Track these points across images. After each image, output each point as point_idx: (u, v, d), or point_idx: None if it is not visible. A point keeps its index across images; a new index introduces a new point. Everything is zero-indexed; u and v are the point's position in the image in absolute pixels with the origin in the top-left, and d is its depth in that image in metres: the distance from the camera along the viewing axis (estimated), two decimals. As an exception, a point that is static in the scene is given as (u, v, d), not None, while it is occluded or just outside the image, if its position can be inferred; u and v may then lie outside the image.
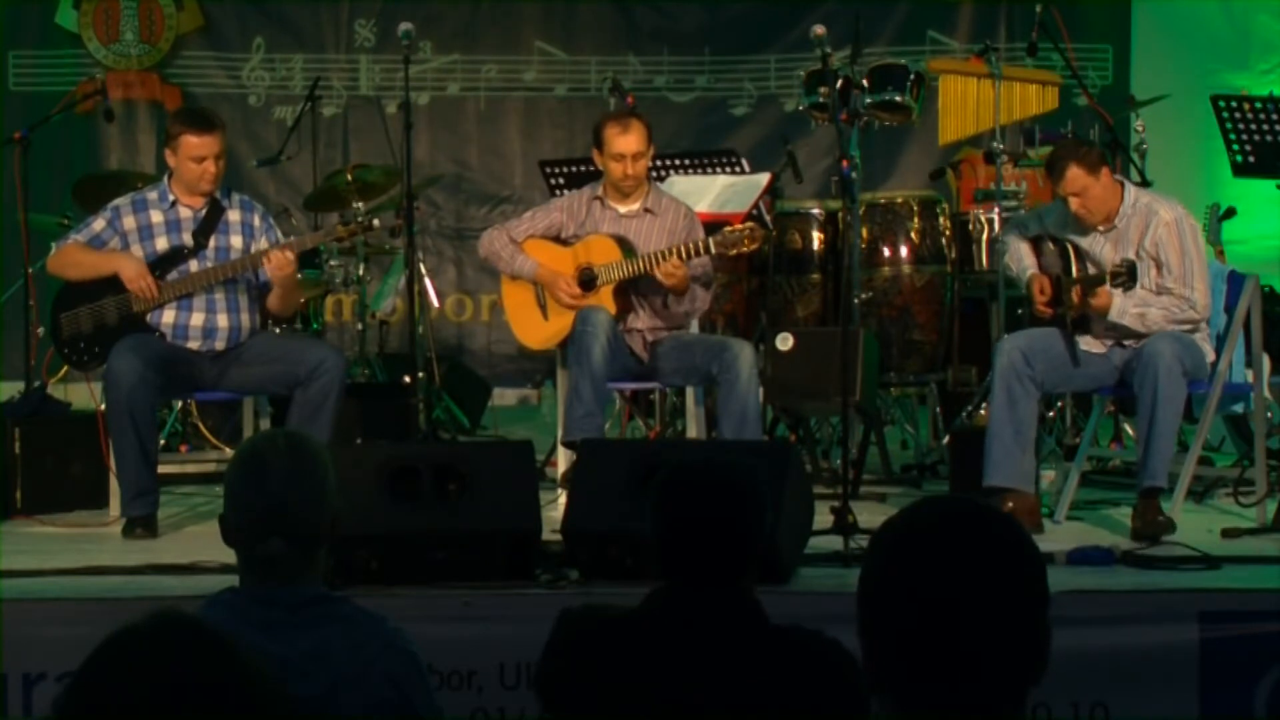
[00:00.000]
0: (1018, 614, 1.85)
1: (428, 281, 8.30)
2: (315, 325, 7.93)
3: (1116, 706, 4.54)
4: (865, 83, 7.30)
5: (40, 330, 6.97)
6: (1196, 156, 8.88)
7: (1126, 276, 5.74)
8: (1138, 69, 10.04)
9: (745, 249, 6.22)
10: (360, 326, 8.32)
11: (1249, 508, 6.09)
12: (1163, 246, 5.89)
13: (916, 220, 7.35)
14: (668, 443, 6.81)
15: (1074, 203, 5.90)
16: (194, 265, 6.11)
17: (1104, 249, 5.97)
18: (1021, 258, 6.18)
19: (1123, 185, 6.05)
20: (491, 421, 8.97)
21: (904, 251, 7.33)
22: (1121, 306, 5.85)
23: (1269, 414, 6.45)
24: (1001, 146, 7.33)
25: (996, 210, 7.31)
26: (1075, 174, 5.87)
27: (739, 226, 6.25)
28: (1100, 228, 5.97)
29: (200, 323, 6.09)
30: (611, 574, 4.66)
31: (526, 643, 3.77)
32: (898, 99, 7.35)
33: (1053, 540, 5.40)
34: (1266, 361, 6.19)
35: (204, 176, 6.08)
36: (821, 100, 7.26)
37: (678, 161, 7.62)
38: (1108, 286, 5.81)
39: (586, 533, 4.84)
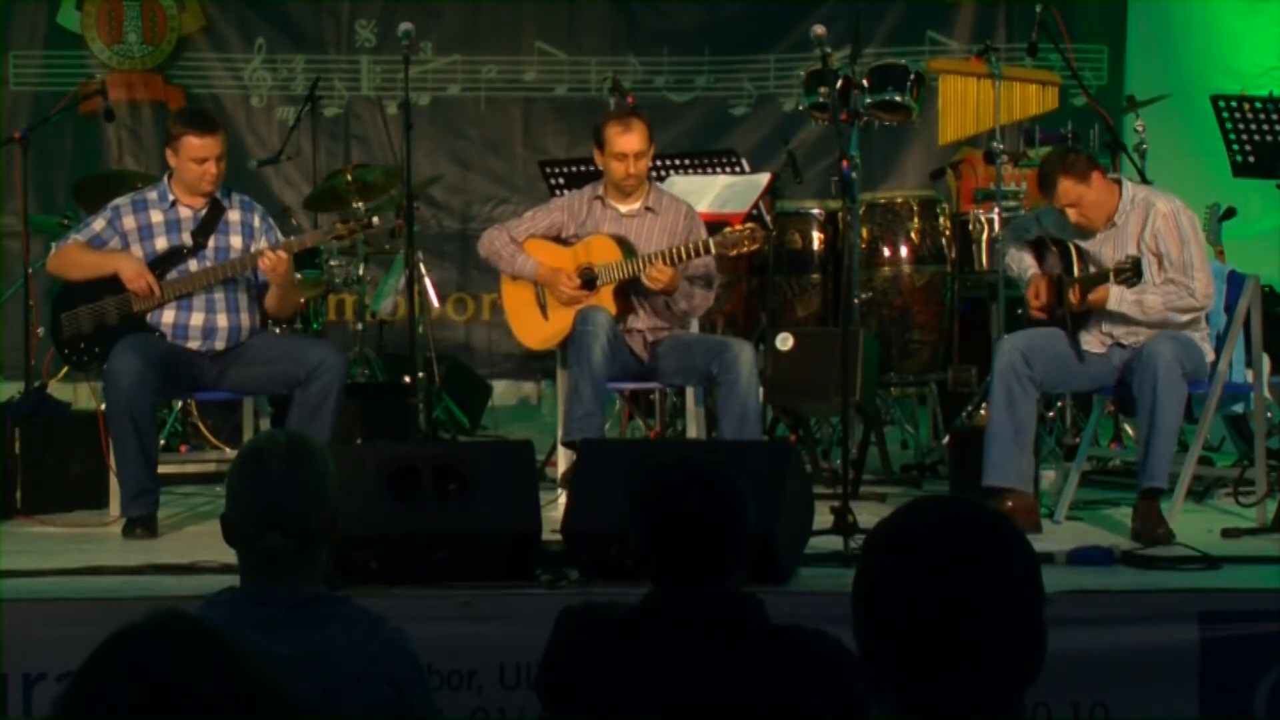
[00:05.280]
0: (1012, 612, 1.85)
1: (428, 281, 8.30)
2: (315, 325, 7.93)
3: (1116, 706, 4.54)
4: (865, 83, 7.30)
5: (40, 330, 6.98)
6: (1194, 157, 8.88)
7: (1131, 272, 5.73)
8: (1133, 70, 10.04)
9: (746, 249, 6.22)
10: (360, 326, 8.33)
11: (1249, 508, 6.09)
12: (1161, 239, 5.89)
13: (916, 220, 7.35)
14: (668, 443, 6.81)
15: (1071, 214, 5.90)
16: (193, 265, 6.12)
17: (1104, 248, 5.96)
18: (1023, 259, 6.19)
19: (1120, 183, 6.05)
20: (491, 421, 8.97)
21: (904, 251, 7.34)
22: (1120, 295, 5.84)
23: (1269, 414, 6.45)
24: (1001, 146, 7.34)
25: (996, 210, 7.31)
26: (1066, 186, 5.86)
27: (740, 227, 6.25)
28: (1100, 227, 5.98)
29: (200, 322, 6.09)
30: (611, 574, 4.65)
31: (526, 643, 3.77)
32: (898, 99, 7.36)
33: (1053, 540, 5.40)
34: (1266, 361, 6.19)
35: (205, 177, 6.09)
36: (821, 100, 7.27)
37: (678, 161, 7.62)
38: (1110, 283, 5.81)
39: (586, 533, 4.85)
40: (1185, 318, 5.89)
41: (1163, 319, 5.87)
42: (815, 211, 7.45)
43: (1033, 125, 8.01)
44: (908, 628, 1.83)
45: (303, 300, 7.31)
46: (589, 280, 6.38)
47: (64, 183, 9.54)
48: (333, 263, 7.92)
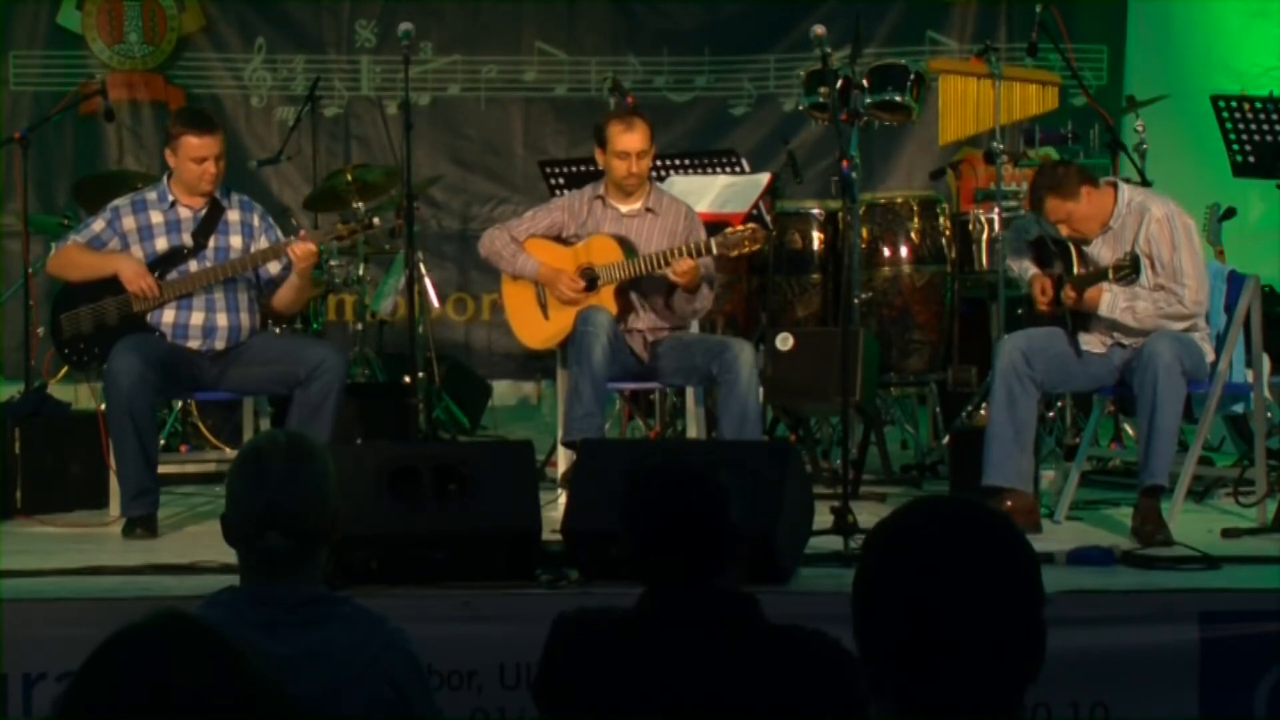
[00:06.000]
0: (1010, 612, 1.85)
1: (428, 281, 8.30)
2: (315, 325, 7.93)
3: (1116, 706, 4.54)
4: (865, 83, 7.30)
5: (40, 330, 6.98)
6: (1194, 157, 8.88)
7: (1130, 269, 5.74)
8: (1133, 70, 10.04)
9: (747, 250, 6.22)
10: (360, 326, 8.33)
11: (1249, 508, 6.09)
12: (1155, 243, 5.89)
13: (916, 220, 7.35)
14: (668, 443, 6.80)
15: (1062, 228, 5.94)
16: (193, 265, 6.12)
17: (1102, 250, 5.97)
18: (1023, 261, 6.20)
19: (1116, 186, 6.05)
20: (491, 421, 8.97)
21: (904, 251, 7.34)
22: (1112, 302, 5.85)
23: (1269, 414, 6.45)
24: (1001, 146, 7.33)
25: (996, 210, 7.31)
26: (1053, 204, 5.88)
27: (741, 227, 6.25)
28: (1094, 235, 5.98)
29: (200, 322, 6.09)
30: (611, 574, 4.65)
31: (526, 643, 3.77)
32: (898, 99, 7.36)
33: (1053, 540, 5.40)
34: (1266, 361, 6.19)
35: (204, 177, 6.10)
36: (821, 100, 7.27)
37: (678, 161, 7.62)
38: (1105, 282, 5.82)
39: (586, 533, 4.84)
40: (1177, 325, 5.89)
41: (1155, 325, 5.87)
42: (815, 211, 7.45)
43: (1033, 125, 8.01)
44: (907, 628, 1.83)
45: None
46: (590, 280, 6.38)
47: (64, 183, 9.55)
48: (333, 263, 7.92)
